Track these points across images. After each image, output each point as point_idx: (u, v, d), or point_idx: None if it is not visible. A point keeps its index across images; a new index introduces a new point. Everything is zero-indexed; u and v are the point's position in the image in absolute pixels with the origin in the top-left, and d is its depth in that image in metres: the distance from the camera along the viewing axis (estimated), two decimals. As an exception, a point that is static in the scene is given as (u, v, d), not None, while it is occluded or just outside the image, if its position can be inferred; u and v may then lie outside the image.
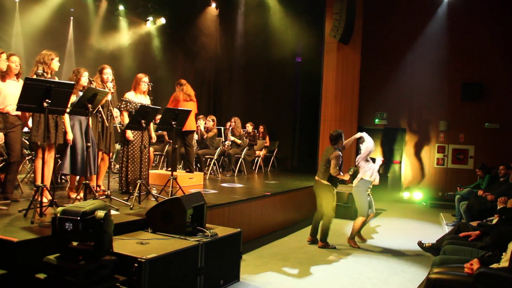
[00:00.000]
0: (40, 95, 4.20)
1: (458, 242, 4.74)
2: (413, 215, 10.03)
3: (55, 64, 5.24)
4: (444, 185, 11.79)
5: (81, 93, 5.26)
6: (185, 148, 7.99)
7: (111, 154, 6.41)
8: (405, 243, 7.10)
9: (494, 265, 3.38)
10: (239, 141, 10.43)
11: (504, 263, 3.34)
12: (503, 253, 3.49)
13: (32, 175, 6.69)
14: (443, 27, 11.99)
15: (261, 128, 12.33)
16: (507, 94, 11.35)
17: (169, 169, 8.21)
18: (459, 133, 11.91)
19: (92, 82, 5.58)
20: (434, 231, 8.09)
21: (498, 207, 5.26)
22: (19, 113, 5.09)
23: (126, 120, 6.20)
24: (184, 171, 8.13)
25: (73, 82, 4.80)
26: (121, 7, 12.93)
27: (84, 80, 5.59)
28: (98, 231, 3.36)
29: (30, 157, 7.51)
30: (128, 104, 6.33)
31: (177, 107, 7.37)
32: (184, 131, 7.57)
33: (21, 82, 5.16)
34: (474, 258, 3.50)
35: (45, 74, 5.01)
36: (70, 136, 5.39)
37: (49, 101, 4.22)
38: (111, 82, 6.02)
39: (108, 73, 6.02)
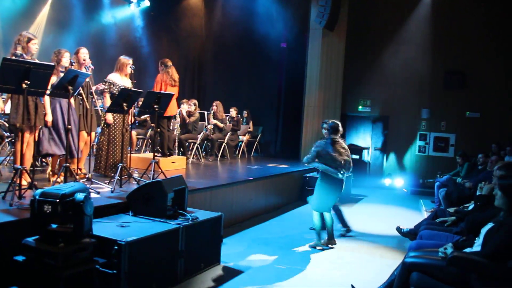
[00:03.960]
0: (18, 76, 4.14)
1: (435, 227, 4.84)
2: (394, 201, 10.19)
3: (33, 47, 5.14)
4: (425, 172, 11.98)
5: (62, 74, 5.19)
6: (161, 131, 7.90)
7: (93, 134, 6.35)
8: (385, 228, 7.21)
9: (467, 250, 3.47)
10: (221, 124, 10.37)
11: (476, 247, 3.43)
12: (476, 238, 3.58)
13: (12, 158, 6.60)
14: (427, 16, 12.07)
15: (245, 114, 12.33)
16: (488, 83, 11.52)
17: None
18: (441, 121, 12.07)
19: (73, 64, 5.50)
20: (414, 217, 8.22)
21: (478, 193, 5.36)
22: None
23: (108, 102, 6.14)
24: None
25: (53, 64, 4.73)
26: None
27: (66, 61, 5.51)
28: (77, 214, 3.35)
29: (10, 139, 7.41)
30: (112, 86, 6.26)
31: (163, 90, 7.32)
32: (165, 116, 7.50)
33: None
34: (449, 243, 3.59)
35: (24, 55, 4.92)
36: (49, 118, 5.33)
37: (28, 83, 4.16)
38: (88, 60, 5.94)
39: (84, 53, 5.95)
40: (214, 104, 10.50)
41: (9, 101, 5.24)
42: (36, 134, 5.29)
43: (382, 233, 6.95)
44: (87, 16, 12.15)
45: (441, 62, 11.89)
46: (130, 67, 6.44)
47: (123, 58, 6.48)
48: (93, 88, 6.24)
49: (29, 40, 5.12)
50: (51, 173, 5.82)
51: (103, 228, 3.96)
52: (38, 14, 11.04)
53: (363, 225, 7.43)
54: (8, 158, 7.21)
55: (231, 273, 4.75)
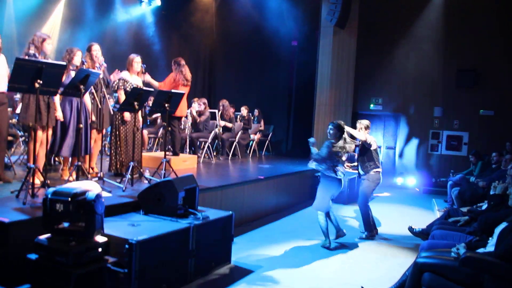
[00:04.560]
0: (31, 76, 4.18)
1: (447, 227, 4.80)
2: (406, 200, 10.11)
3: (47, 46, 5.19)
4: (438, 171, 11.85)
5: (73, 73, 5.23)
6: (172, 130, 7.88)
7: (104, 131, 6.39)
8: (397, 228, 7.16)
9: (480, 250, 3.43)
10: (229, 125, 10.34)
11: (490, 248, 3.39)
12: (490, 238, 3.54)
13: (26, 157, 6.68)
14: (439, 13, 11.92)
15: (256, 112, 12.32)
16: (502, 81, 11.35)
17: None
18: (454, 119, 11.94)
19: (84, 63, 5.54)
20: (426, 217, 8.15)
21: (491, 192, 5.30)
22: (5, 90, 5.02)
23: (123, 98, 6.15)
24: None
25: (64, 63, 4.76)
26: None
27: (77, 59, 5.54)
28: (88, 212, 3.37)
29: (23, 138, 7.50)
30: (126, 83, 6.29)
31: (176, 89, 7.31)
32: (175, 116, 7.48)
33: (2, 58, 5.11)
34: (462, 243, 3.55)
35: (37, 55, 4.96)
36: (59, 114, 5.37)
37: (41, 82, 4.20)
38: (101, 57, 5.98)
39: (96, 49, 5.98)
40: (220, 103, 10.46)
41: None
42: (49, 133, 5.34)
43: (394, 233, 6.90)
44: (99, 15, 12.23)
45: (454, 59, 11.74)
46: (142, 66, 6.47)
47: (131, 56, 6.52)
48: (111, 77, 6.27)
49: (44, 40, 5.17)
50: (63, 171, 5.87)
51: (114, 227, 3.98)
52: (52, 14, 11.13)
53: (374, 224, 7.39)
54: (22, 157, 7.30)
55: (241, 272, 4.75)
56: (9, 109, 7.57)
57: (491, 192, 5.14)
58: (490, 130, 11.42)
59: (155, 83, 7.50)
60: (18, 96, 6.77)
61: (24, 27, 9.74)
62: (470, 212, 5.11)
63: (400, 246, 6.17)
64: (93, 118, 5.97)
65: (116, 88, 6.37)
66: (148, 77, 7.29)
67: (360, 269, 5.11)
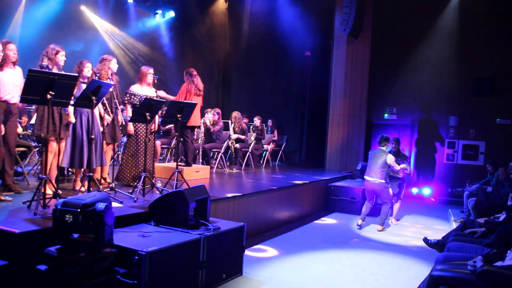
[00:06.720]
0: (43, 87, 4.21)
1: (463, 239, 4.68)
2: (421, 211, 9.94)
3: (60, 59, 5.24)
4: (454, 181, 11.65)
5: (83, 85, 5.27)
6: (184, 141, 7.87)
7: (116, 144, 6.42)
8: (412, 239, 7.03)
9: (498, 263, 3.32)
10: (242, 137, 10.31)
11: (508, 261, 3.28)
12: (508, 251, 3.43)
13: (39, 167, 6.73)
14: (454, 21, 11.78)
15: (270, 122, 12.29)
16: (519, 89, 11.16)
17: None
18: (470, 128, 11.75)
19: (96, 74, 5.57)
20: (442, 228, 8.01)
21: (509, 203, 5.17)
22: (17, 102, 5.07)
23: (130, 113, 6.21)
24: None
25: (76, 74, 4.79)
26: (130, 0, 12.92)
27: (87, 71, 5.57)
28: (98, 223, 3.36)
29: (38, 149, 7.57)
30: (133, 96, 6.33)
31: (188, 100, 7.32)
32: (188, 126, 7.47)
33: (18, 70, 5.19)
34: (479, 256, 3.45)
35: (50, 67, 5.01)
36: (72, 119, 5.39)
37: (53, 93, 4.23)
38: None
39: (114, 62, 6.08)
40: (232, 116, 10.44)
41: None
42: (62, 145, 5.37)
43: (409, 244, 6.77)
44: (114, 26, 12.40)
45: (470, 68, 11.58)
46: (154, 77, 6.51)
47: (143, 68, 6.58)
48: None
49: (57, 52, 5.22)
50: (75, 182, 5.88)
51: (124, 238, 3.96)
52: (67, 25, 11.29)
53: (389, 235, 7.27)
54: (35, 167, 7.36)
55: (253, 284, 4.69)
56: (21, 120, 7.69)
57: (509, 203, 5.02)
58: (507, 139, 11.21)
59: (170, 97, 7.53)
60: (33, 107, 6.84)
61: (38, 39, 9.85)
62: (487, 223, 4.98)
63: (415, 257, 6.04)
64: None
65: (124, 103, 6.42)
66: (163, 93, 7.33)
67: (374, 282, 5.01)
